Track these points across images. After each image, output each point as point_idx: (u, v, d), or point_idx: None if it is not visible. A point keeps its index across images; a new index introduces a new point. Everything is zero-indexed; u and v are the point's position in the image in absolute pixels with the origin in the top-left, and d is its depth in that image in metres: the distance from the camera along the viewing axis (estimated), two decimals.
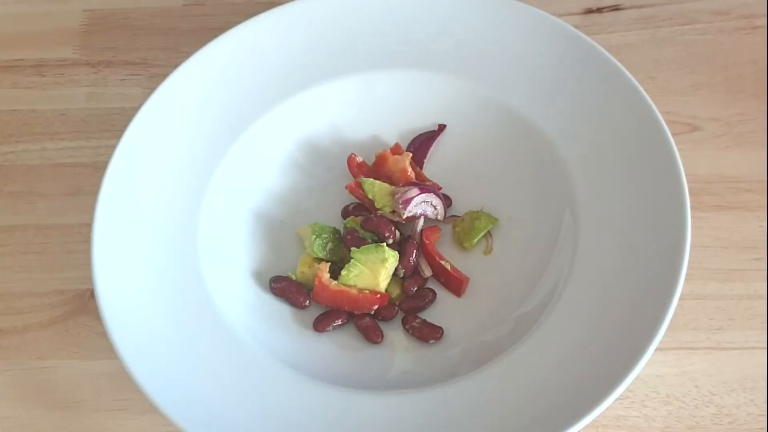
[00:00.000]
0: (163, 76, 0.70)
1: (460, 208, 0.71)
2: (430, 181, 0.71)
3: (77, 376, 0.68)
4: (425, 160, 0.72)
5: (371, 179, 0.68)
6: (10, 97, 0.82)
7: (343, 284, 0.65)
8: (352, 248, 0.65)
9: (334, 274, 0.66)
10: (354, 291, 0.65)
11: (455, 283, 0.67)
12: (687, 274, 0.59)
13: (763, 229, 0.71)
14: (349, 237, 0.67)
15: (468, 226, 0.69)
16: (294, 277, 0.68)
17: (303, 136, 0.73)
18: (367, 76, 0.72)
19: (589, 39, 0.70)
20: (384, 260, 0.65)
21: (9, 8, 0.88)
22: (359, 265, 0.65)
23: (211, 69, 0.71)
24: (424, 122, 0.73)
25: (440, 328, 0.65)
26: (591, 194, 0.66)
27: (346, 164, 0.71)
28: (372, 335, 0.65)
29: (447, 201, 0.70)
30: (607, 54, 0.69)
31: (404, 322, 0.66)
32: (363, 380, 0.63)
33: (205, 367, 0.61)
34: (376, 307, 0.65)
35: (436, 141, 0.73)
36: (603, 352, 0.59)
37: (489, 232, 0.69)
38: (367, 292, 0.65)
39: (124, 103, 0.80)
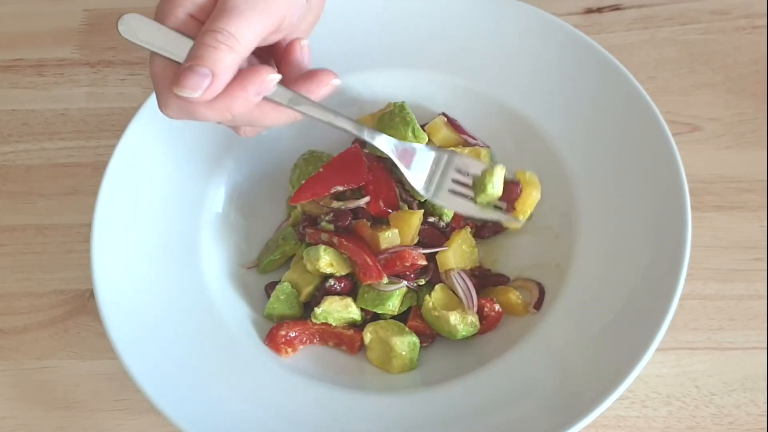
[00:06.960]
0: None
1: None
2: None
3: (77, 377, 0.68)
4: None
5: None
6: (9, 97, 0.82)
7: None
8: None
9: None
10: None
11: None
12: (687, 274, 0.59)
13: (763, 229, 0.71)
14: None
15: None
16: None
17: (303, 135, 0.73)
18: (367, 75, 0.72)
19: (589, 39, 0.70)
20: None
21: (9, 8, 0.87)
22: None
23: None
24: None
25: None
26: (591, 194, 0.66)
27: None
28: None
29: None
30: (607, 54, 0.69)
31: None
32: (363, 380, 0.63)
33: (205, 368, 0.61)
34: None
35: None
36: (603, 351, 0.59)
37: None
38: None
39: (124, 103, 0.80)
